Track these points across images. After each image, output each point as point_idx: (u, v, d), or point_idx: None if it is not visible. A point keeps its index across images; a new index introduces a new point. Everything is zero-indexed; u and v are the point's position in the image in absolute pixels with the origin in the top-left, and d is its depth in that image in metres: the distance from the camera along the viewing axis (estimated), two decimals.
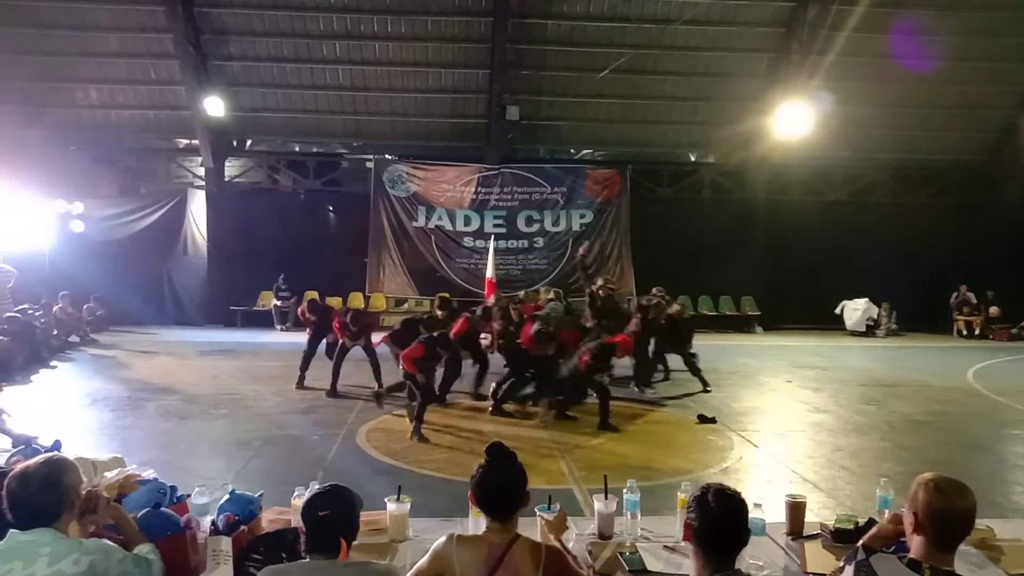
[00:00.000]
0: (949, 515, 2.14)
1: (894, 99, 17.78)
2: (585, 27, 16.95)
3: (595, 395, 8.47)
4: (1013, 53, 17.43)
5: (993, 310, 18.23)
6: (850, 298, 18.41)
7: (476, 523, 3.05)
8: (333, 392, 9.80)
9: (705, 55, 17.53)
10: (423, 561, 2.48)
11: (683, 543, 2.96)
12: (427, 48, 17.21)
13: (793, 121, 15.92)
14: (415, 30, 16.84)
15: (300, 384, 10.27)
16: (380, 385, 9.44)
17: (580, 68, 17.31)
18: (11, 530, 2.30)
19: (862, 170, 19.79)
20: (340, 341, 10.03)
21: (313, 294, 15.46)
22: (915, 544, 2.19)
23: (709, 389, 10.29)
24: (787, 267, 18.06)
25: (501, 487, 2.51)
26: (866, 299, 18.28)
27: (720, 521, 2.15)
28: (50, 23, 16.05)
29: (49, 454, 2.63)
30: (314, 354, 10.53)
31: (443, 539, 2.47)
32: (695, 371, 10.52)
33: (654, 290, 12.39)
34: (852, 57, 16.65)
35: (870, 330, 18.26)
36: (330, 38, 16.87)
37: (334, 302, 15.37)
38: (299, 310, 12.20)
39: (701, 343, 11.28)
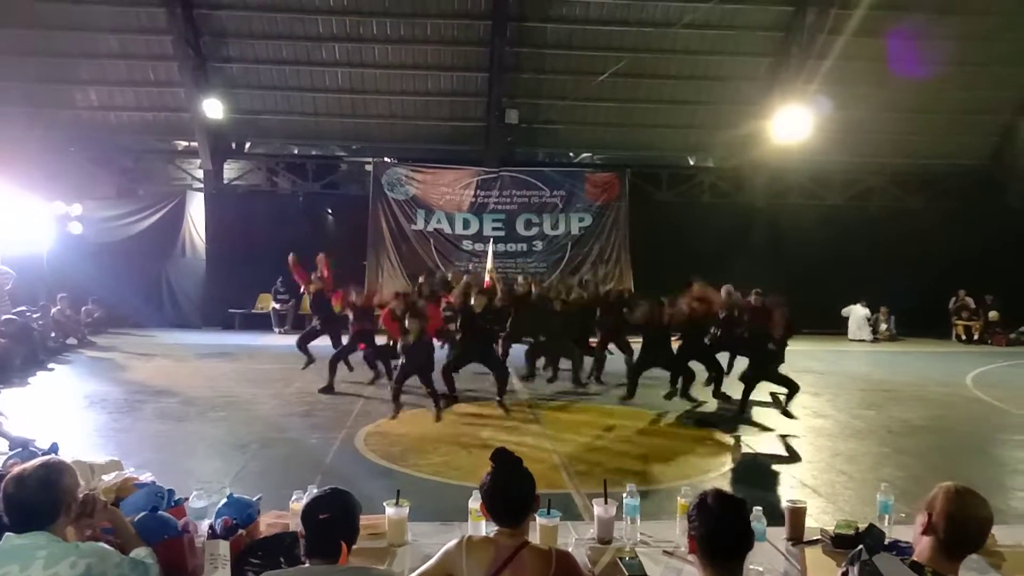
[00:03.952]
0: (964, 522, 2.13)
1: (893, 103, 17.74)
2: (584, 31, 16.93)
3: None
4: (1012, 57, 17.39)
5: (992, 315, 18.21)
6: (849, 303, 18.37)
7: (475, 527, 3.05)
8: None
9: (704, 59, 17.55)
10: (432, 561, 2.50)
11: (682, 549, 2.96)
12: (426, 51, 17.22)
13: (792, 125, 15.92)
14: (414, 33, 16.84)
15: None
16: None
17: (579, 71, 17.28)
18: (7, 533, 2.29)
19: (861, 174, 19.78)
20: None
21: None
22: (921, 546, 2.18)
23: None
24: (786, 271, 17.90)
25: (510, 495, 2.51)
26: (861, 304, 18.26)
27: (723, 521, 2.13)
28: (50, 24, 16.01)
29: (46, 457, 2.61)
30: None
31: (454, 540, 2.49)
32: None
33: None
34: (851, 61, 16.63)
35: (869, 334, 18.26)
36: (329, 40, 16.85)
37: None
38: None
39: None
